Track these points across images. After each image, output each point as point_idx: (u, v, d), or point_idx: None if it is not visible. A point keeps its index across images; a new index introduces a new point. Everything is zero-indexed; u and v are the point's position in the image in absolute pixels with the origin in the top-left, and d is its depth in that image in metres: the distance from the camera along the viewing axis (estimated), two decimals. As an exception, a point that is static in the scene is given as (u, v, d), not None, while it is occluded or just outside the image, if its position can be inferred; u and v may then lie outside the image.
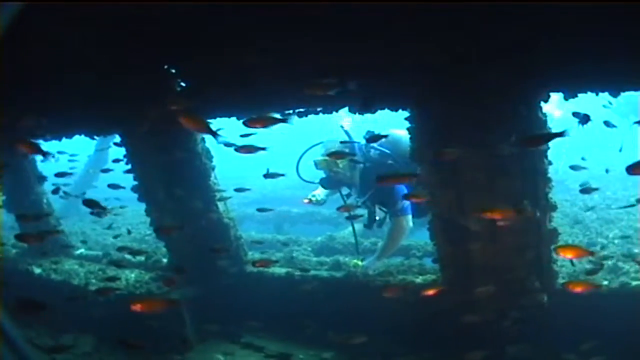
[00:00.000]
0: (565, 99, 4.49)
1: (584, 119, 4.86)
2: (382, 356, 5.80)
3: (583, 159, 8.90)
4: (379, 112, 4.97)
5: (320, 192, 7.20)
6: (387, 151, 6.51)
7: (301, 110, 5.29)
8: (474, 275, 5.18)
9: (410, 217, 6.49)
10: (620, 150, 9.26)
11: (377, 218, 6.83)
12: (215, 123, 6.15)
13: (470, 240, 5.03)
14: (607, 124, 6.18)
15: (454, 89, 4.48)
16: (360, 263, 6.43)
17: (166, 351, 6.53)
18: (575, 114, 4.89)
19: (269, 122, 4.66)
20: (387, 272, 6.04)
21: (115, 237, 8.09)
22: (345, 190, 6.97)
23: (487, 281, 5.10)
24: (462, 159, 4.66)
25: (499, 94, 4.39)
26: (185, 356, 6.48)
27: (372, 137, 6.00)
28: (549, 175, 4.77)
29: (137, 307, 5.01)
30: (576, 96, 4.42)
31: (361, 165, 6.50)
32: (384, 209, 6.77)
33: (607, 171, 9.90)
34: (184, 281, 6.71)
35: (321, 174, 6.87)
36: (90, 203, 5.74)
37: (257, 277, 6.73)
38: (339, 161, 6.40)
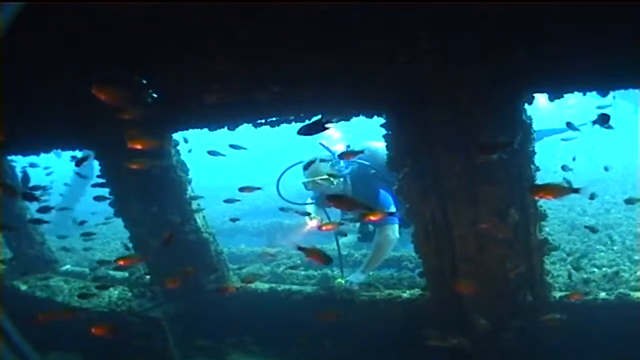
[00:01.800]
0: (551, 99, 4.19)
1: (602, 119, 4.65)
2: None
3: (574, 159, 8.65)
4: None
5: (313, 211, 7.07)
6: (366, 162, 6.48)
7: (273, 119, 5.04)
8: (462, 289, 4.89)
9: (396, 227, 6.27)
10: None
11: (370, 231, 6.76)
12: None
13: (456, 252, 4.77)
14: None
15: (430, 92, 4.21)
16: (343, 282, 6.14)
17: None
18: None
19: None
20: (374, 286, 5.78)
21: (100, 262, 7.88)
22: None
23: (475, 295, 4.84)
24: (443, 166, 4.40)
25: (479, 97, 4.11)
26: (168, 375, 6.24)
27: (344, 154, 5.83)
28: (537, 181, 4.46)
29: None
30: (562, 97, 4.12)
31: (347, 180, 6.47)
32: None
33: (606, 169, 9.61)
34: (166, 297, 6.53)
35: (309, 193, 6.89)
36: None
37: (240, 293, 6.45)
38: (332, 179, 6.30)
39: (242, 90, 4.76)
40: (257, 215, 14.59)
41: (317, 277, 6.71)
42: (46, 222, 7.34)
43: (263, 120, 5.10)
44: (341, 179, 6.40)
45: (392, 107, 4.45)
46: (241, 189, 5.91)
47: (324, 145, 6.53)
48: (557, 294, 4.97)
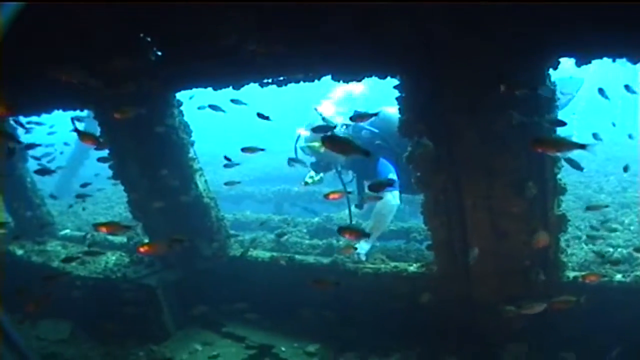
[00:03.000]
0: (578, 65, 3.88)
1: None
2: (370, 350, 5.36)
3: (613, 125, 8.29)
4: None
5: (314, 173, 6.92)
6: (375, 130, 6.30)
7: (281, 79, 4.78)
8: (472, 264, 4.65)
9: (396, 193, 6.05)
10: None
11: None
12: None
13: (467, 226, 4.52)
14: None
15: (448, 53, 3.93)
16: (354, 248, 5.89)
17: (142, 339, 6.18)
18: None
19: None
20: (380, 259, 5.54)
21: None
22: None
23: (486, 271, 4.64)
24: (457, 133, 4.14)
25: (500, 58, 3.81)
26: (162, 345, 6.07)
27: (357, 116, 5.49)
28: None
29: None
30: (590, 62, 3.82)
31: None
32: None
33: (630, 137, 9.23)
34: (163, 265, 6.33)
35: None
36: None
37: (241, 262, 6.26)
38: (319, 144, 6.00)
39: (249, 48, 4.50)
40: (266, 181, 14.32)
41: (321, 247, 6.51)
42: (52, 171, 7.05)
43: (270, 80, 4.85)
44: None
45: (406, 67, 4.18)
46: (244, 150, 5.60)
47: (319, 112, 6.28)
48: (571, 274, 4.70)
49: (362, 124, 6.20)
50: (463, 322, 4.99)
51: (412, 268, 5.28)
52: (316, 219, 8.48)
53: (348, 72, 4.40)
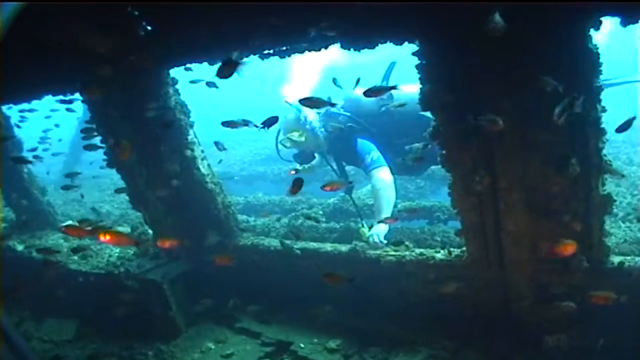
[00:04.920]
0: (623, 24, 3.29)
1: None
2: (395, 344, 4.91)
3: None
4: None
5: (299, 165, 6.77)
6: (347, 113, 6.18)
7: (283, 49, 4.26)
8: (506, 251, 4.20)
9: (385, 168, 5.79)
10: None
11: (351, 182, 6.55)
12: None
13: (501, 208, 4.01)
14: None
15: (476, 11, 3.35)
16: (366, 231, 5.58)
17: (151, 338, 5.80)
18: None
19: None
20: (405, 245, 5.03)
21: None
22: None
23: (521, 257, 4.14)
24: (488, 104, 3.58)
25: (534, 19, 3.26)
26: (172, 344, 5.66)
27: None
28: (603, 125, 3.62)
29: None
30: (637, 21, 3.24)
31: (323, 130, 6.13)
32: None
33: None
34: (168, 257, 5.89)
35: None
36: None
37: (252, 251, 5.80)
38: (298, 134, 6.03)
39: (247, 14, 3.98)
40: (278, 161, 13.89)
41: (339, 230, 6.17)
42: (29, 161, 6.90)
43: (271, 51, 4.33)
44: (310, 133, 6.07)
45: (428, 31, 3.62)
46: (224, 124, 4.85)
47: (288, 102, 6.06)
48: (616, 259, 4.11)
49: (332, 109, 6.10)
50: (495, 313, 4.56)
51: (440, 255, 4.77)
52: (332, 200, 8.01)
53: (359, 38, 3.85)
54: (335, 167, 6.45)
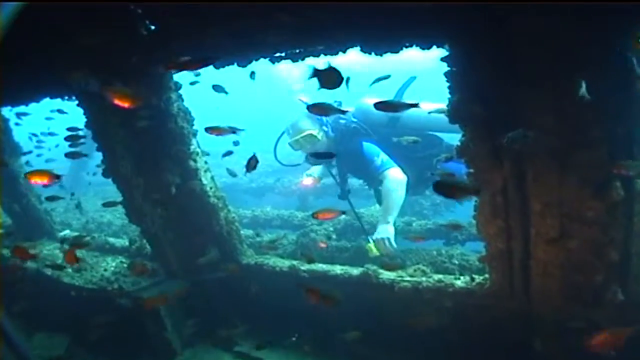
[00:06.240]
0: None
1: None
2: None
3: None
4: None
5: (314, 170, 6.94)
6: (353, 119, 6.24)
7: (297, 51, 3.90)
8: (534, 280, 3.81)
9: (397, 168, 5.79)
10: None
11: (349, 189, 6.58)
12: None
13: (532, 233, 3.60)
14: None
15: (513, 15, 2.98)
16: (373, 248, 5.44)
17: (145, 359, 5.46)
18: None
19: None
20: (421, 270, 4.63)
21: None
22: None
23: (551, 288, 3.75)
24: (525, 117, 3.19)
25: (576, 24, 2.87)
26: (166, 367, 5.27)
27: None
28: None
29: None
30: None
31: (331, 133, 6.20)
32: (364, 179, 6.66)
33: None
34: (166, 274, 5.52)
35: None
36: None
37: (256, 271, 5.42)
38: (314, 133, 6.03)
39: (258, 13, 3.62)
40: (289, 172, 13.53)
41: (350, 250, 5.87)
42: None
43: (283, 54, 3.97)
44: (324, 135, 6.12)
45: (460, 33, 3.23)
46: (208, 130, 4.55)
47: (303, 102, 5.94)
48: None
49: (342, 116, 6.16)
50: (516, 346, 4.17)
51: (460, 282, 4.36)
52: (343, 216, 7.63)
53: (382, 41, 3.47)
54: (335, 173, 6.45)
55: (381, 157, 5.81)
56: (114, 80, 4.29)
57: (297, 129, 6.05)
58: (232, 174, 6.29)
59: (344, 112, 4.83)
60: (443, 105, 6.31)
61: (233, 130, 4.23)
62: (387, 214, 5.59)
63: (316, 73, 3.39)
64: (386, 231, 5.41)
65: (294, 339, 5.05)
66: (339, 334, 4.71)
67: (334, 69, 3.38)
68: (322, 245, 5.94)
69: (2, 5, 2.13)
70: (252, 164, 4.43)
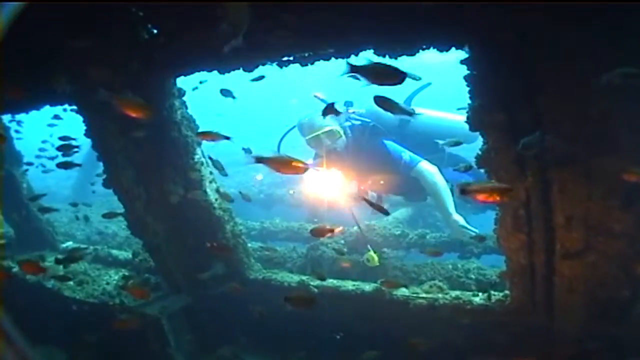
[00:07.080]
0: None
1: None
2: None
3: None
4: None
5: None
6: (367, 120, 6.14)
7: (305, 55, 3.69)
8: (558, 297, 3.61)
9: (425, 161, 5.78)
10: None
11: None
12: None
13: (556, 248, 3.40)
14: None
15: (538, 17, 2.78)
16: (374, 256, 5.22)
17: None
18: None
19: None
20: (437, 286, 4.41)
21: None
22: None
23: (575, 304, 3.56)
24: (550, 125, 2.98)
25: (603, 27, 2.68)
26: (170, 384, 5.06)
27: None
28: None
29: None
30: None
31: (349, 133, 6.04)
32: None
33: None
34: (170, 289, 5.31)
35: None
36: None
37: (263, 285, 5.22)
38: (335, 130, 5.78)
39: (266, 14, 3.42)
40: (299, 183, 13.32)
41: (362, 265, 5.49)
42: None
43: (291, 58, 3.77)
44: (342, 132, 5.90)
45: (482, 35, 3.02)
46: (199, 134, 4.44)
47: (319, 98, 5.96)
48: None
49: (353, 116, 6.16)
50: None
51: (478, 299, 4.14)
52: (355, 228, 7.39)
53: (397, 43, 3.26)
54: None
55: (408, 153, 5.80)
56: (114, 86, 4.12)
57: (315, 125, 5.80)
58: (246, 199, 6.05)
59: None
60: (445, 114, 6.18)
61: (226, 137, 4.02)
62: (446, 205, 5.55)
63: (354, 68, 2.84)
64: (459, 220, 5.40)
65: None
66: (351, 352, 4.49)
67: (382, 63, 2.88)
68: (345, 265, 5.64)
69: (2, 6, 2.18)
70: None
